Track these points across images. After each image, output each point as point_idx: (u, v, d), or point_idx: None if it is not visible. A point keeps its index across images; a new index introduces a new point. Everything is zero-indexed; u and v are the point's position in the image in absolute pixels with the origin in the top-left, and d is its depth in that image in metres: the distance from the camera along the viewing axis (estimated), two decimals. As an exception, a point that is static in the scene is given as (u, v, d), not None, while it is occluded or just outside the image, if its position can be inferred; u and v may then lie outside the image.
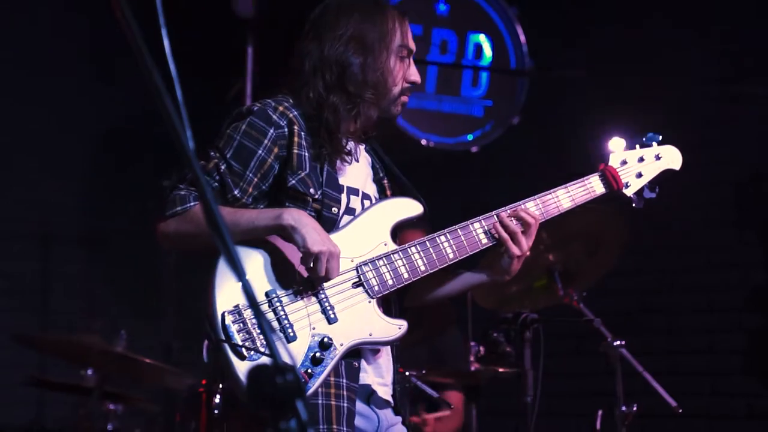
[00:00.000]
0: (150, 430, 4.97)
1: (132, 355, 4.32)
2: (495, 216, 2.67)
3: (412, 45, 2.71)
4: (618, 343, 3.97)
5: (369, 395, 2.58)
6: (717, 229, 5.61)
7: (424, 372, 4.33)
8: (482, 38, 6.04)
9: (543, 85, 6.00)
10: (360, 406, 2.54)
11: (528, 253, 2.66)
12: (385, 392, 2.61)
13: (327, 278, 2.46)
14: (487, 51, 6.04)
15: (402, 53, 2.68)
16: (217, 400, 4.03)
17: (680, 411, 3.91)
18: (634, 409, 3.83)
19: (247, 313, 2.41)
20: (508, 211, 2.67)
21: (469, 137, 6.00)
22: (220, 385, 4.04)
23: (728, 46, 5.59)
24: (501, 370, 4.34)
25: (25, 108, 5.87)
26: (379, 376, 2.61)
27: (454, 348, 4.93)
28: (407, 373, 4.06)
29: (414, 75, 2.70)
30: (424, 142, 5.84)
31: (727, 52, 5.60)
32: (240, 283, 2.32)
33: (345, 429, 2.45)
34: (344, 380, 2.48)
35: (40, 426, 4.88)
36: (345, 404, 2.47)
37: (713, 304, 5.59)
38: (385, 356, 2.64)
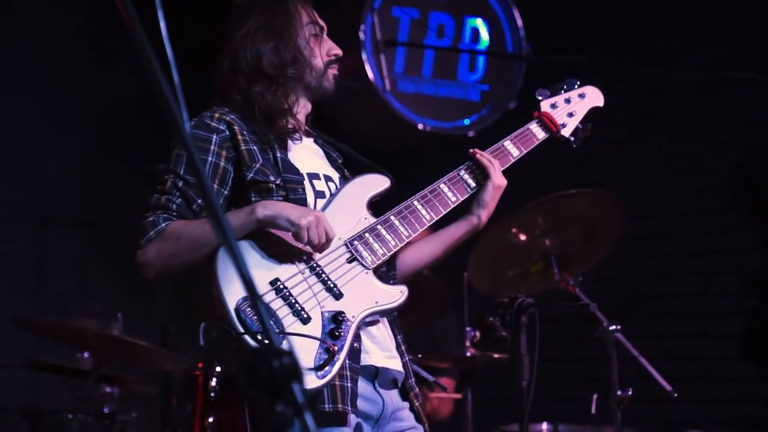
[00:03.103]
0: (146, 413, 4.98)
1: (128, 338, 4.33)
2: (465, 164, 2.83)
3: (321, 22, 2.81)
4: (613, 327, 3.97)
5: (374, 375, 2.60)
6: (712, 213, 5.62)
7: (420, 356, 4.34)
8: (479, 22, 6.03)
9: (540, 69, 5.99)
10: (365, 388, 2.56)
11: (503, 185, 2.83)
12: (394, 364, 2.63)
13: (327, 244, 2.51)
14: (484, 35, 6.03)
15: (313, 30, 2.77)
16: (213, 383, 4.04)
17: (675, 395, 3.92)
18: (629, 393, 3.84)
19: (261, 299, 2.42)
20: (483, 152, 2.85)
21: (466, 122, 5.99)
22: (217, 369, 4.05)
23: (727, 29, 5.58)
24: (496, 355, 4.35)
25: (21, 91, 5.86)
26: (384, 349, 2.63)
27: (449, 332, 4.94)
28: (404, 349, 4.07)
29: (334, 48, 2.79)
30: (420, 126, 5.83)
31: (725, 36, 5.59)
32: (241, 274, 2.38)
33: (349, 408, 2.48)
34: (347, 361, 2.50)
35: (37, 408, 4.88)
36: (348, 384, 2.49)
37: (708, 288, 5.60)
38: (384, 330, 2.67)
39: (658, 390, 3.97)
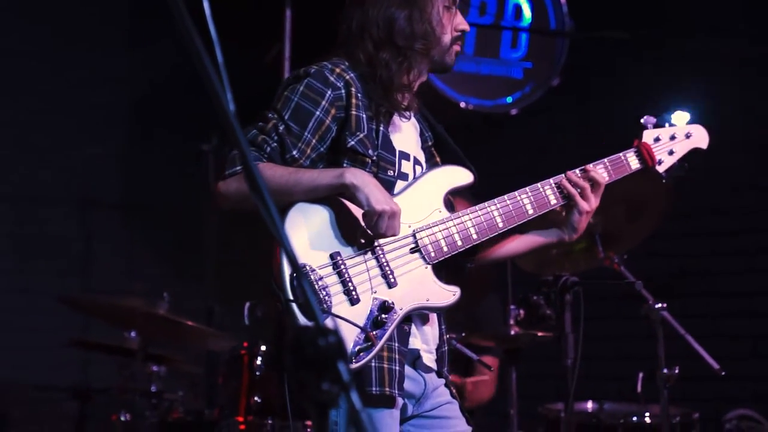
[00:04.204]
0: (192, 392, 5.04)
1: (174, 318, 4.37)
2: (562, 176, 2.76)
3: None
4: (659, 305, 3.94)
5: (415, 359, 2.60)
6: (759, 191, 5.54)
7: (463, 335, 4.34)
8: (522, -1, 5.98)
9: (583, 45, 5.93)
10: (408, 369, 2.57)
11: (593, 209, 2.78)
12: (429, 359, 2.63)
13: (389, 236, 2.49)
14: (527, 12, 5.98)
15: (446, 2, 2.68)
16: (258, 362, 4.07)
17: (723, 373, 3.88)
18: (676, 371, 3.81)
19: (314, 275, 2.42)
20: (577, 171, 2.77)
21: (509, 99, 5.96)
22: (262, 348, 4.08)
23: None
24: (541, 333, 4.33)
25: (65, 75, 5.91)
26: (425, 342, 2.63)
27: (490, 312, 4.93)
28: (447, 336, 4.07)
29: (462, 23, 2.71)
30: (462, 104, 5.80)
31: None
32: (305, 241, 2.39)
33: (396, 391, 2.48)
34: (396, 343, 2.50)
35: (86, 387, 4.95)
36: (397, 367, 2.49)
37: (754, 266, 5.54)
38: (433, 323, 2.66)
39: (705, 368, 3.94)
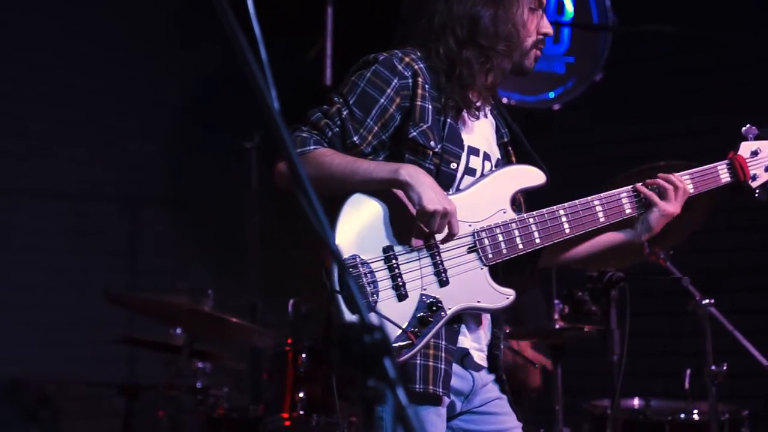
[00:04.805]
0: (237, 388, 5.07)
1: (219, 314, 4.40)
2: (640, 184, 2.72)
3: None
4: (707, 301, 3.90)
5: (463, 357, 2.58)
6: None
7: (508, 331, 4.32)
8: (564, -7, 5.94)
9: (627, 40, 5.88)
10: (456, 367, 2.54)
11: (674, 213, 2.72)
12: (479, 357, 2.61)
13: (444, 237, 2.45)
14: (569, 6, 5.94)
15: (532, 4, 2.64)
16: (303, 358, 4.08)
17: (772, 370, 3.84)
18: (724, 368, 3.77)
19: (365, 267, 2.41)
20: (659, 177, 2.73)
21: (551, 95, 5.92)
22: (306, 344, 4.10)
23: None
24: (586, 329, 4.30)
25: (111, 73, 5.97)
26: (475, 341, 2.60)
27: (533, 307, 4.90)
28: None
29: (546, 27, 2.66)
30: (505, 100, 5.77)
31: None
32: (359, 233, 2.39)
33: (441, 390, 2.46)
34: (443, 342, 2.48)
35: (133, 383, 5.00)
36: (442, 366, 2.47)
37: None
38: (485, 322, 2.64)
39: (754, 364, 3.89)
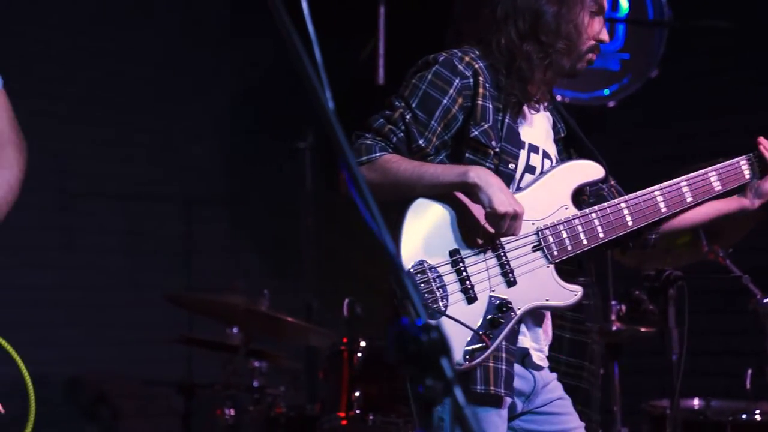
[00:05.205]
0: (293, 387, 5.09)
1: (275, 314, 4.43)
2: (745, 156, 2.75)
3: (603, 2, 2.66)
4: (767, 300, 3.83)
5: (524, 357, 2.57)
6: None
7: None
8: (619, -11, 5.88)
9: (683, 36, 5.80)
10: (517, 367, 2.54)
11: None
12: (538, 357, 2.60)
13: (508, 237, 2.46)
14: (624, 2, 5.88)
15: (593, 8, 2.63)
16: (358, 357, 4.09)
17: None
18: (787, 368, 3.70)
19: (432, 272, 2.41)
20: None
21: (606, 92, 5.86)
22: (361, 343, 4.10)
23: None
24: (643, 329, 4.25)
25: (164, 73, 6.04)
26: (535, 341, 2.60)
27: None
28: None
29: (603, 33, 2.65)
30: (559, 98, 5.72)
31: None
32: (425, 238, 2.39)
33: (503, 390, 2.45)
34: (504, 342, 2.47)
35: (191, 382, 5.05)
36: (504, 366, 2.46)
37: None
38: (545, 321, 2.63)
39: (817, 364, 3.81)
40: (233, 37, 6.33)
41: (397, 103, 2.54)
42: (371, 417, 3.97)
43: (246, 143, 6.32)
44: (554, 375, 2.64)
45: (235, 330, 4.72)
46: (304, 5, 1.56)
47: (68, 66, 5.70)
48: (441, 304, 2.39)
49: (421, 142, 2.50)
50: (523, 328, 2.55)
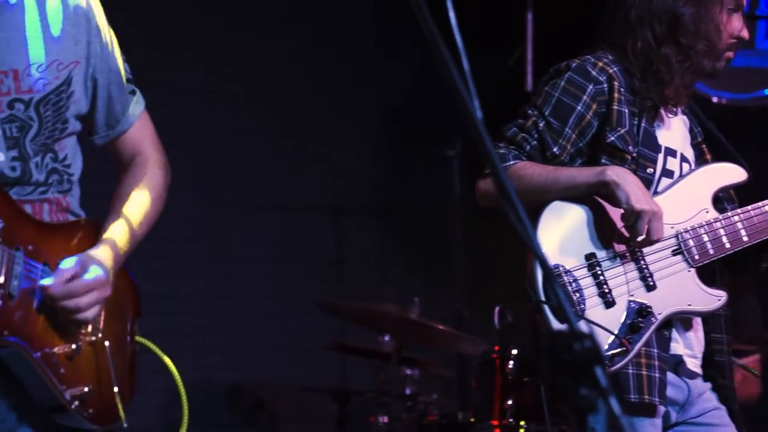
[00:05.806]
0: (446, 395, 5.11)
1: (426, 322, 4.45)
2: None
3: None
4: None
5: (677, 365, 2.51)
6: None
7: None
8: (778, -15, 5.66)
9: None
10: (670, 375, 2.48)
11: None
12: (693, 364, 2.53)
13: (648, 239, 2.41)
14: (776, -1, 5.67)
15: (731, 5, 2.57)
16: (510, 365, 4.07)
17: None
18: None
19: (568, 276, 2.39)
20: None
21: (766, 92, 5.66)
22: (513, 351, 4.08)
23: None
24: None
25: (314, 86, 6.15)
26: (687, 347, 2.53)
27: (748, 313, 4.70)
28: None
29: (743, 30, 2.59)
30: (715, 99, 5.56)
31: None
32: (560, 241, 2.37)
33: (657, 399, 2.40)
34: (655, 350, 2.43)
35: (345, 389, 5.13)
36: (657, 374, 2.42)
37: None
38: (697, 327, 2.56)
39: None
40: (381, 47, 6.38)
41: (530, 111, 2.53)
42: (524, 425, 3.93)
43: (395, 152, 6.37)
44: (708, 384, 2.56)
45: (386, 338, 4.77)
46: (451, 15, 1.56)
47: (226, 80, 5.87)
48: (578, 308, 2.36)
49: (555, 149, 2.48)
50: (675, 334, 2.48)
